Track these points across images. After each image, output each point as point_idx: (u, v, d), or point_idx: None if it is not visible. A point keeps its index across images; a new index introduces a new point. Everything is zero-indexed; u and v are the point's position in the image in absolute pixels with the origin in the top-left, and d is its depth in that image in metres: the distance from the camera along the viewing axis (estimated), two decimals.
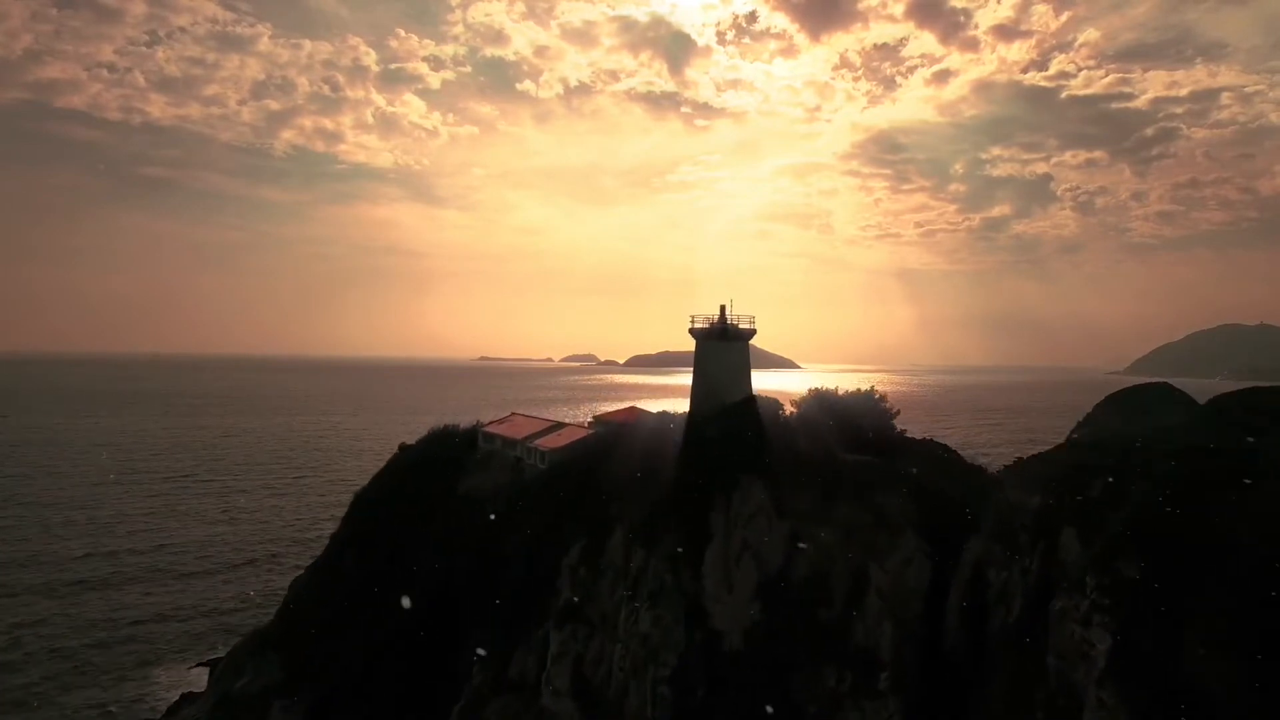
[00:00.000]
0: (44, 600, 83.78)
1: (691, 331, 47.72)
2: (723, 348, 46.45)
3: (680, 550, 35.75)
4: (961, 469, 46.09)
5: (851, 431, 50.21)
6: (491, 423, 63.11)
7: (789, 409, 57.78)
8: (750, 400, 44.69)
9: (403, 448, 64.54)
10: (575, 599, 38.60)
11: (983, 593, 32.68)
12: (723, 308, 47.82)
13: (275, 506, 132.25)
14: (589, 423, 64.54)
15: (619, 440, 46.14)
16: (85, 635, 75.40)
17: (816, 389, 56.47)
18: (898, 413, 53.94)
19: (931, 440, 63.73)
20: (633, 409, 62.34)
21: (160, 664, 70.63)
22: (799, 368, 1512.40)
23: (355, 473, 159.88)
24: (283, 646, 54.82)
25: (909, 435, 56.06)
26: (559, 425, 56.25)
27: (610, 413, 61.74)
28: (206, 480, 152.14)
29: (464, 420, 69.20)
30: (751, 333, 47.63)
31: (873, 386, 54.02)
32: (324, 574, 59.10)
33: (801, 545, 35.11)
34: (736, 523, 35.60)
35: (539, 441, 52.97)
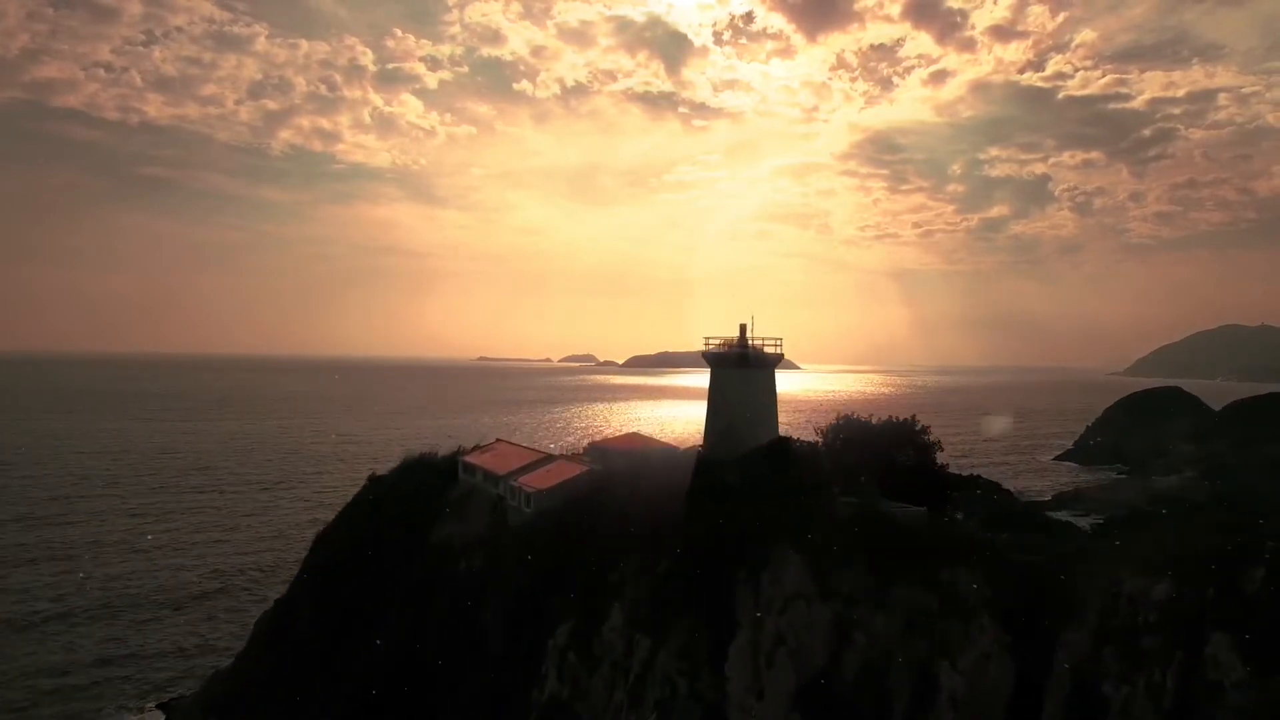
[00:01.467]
0: None
1: (705, 356, 39.85)
2: (744, 376, 38.50)
3: (696, 642, 28.14)
4: (1030, 520, 38.44)
5: (887, 467, 42.65)
6: (473, 451, 55.45)
7: (815, 438, 50.24)
8: (781, 444, 36.73)
9: (373, 479, 56.85)
10: (564, 692, 30.98)
11: (1092, 712, 24.98)
12: (743, 327, 39.78)
13: (259, 522, 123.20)
14: (584, 449, 56.97)
15: (617, 482, 38.52)
16: (29, 682, 67.66)
17: (846, 416, 48.85)
18: (940, 445, 46.30)
19: (977, 477, 56.25)
20: (634, 436, 54.76)
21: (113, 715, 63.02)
22: (798, 368, 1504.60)
23: (348, 482, 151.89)
24: (227, 715, 47.30)
25: (951, 470, 48.50)
26: (547, 459, 48.58)
27: (608, 440, 54.07)
28: (190, 492, 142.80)
29: (447, 444, 61.91)
30: (778, 358, 39.71)
31: (913, 416, 46.33)
32: (278, 629, 51.55)
33: (852, 637, 27.43)
34: (768, 608, 27.93)
35: (524, 479, 45.34)
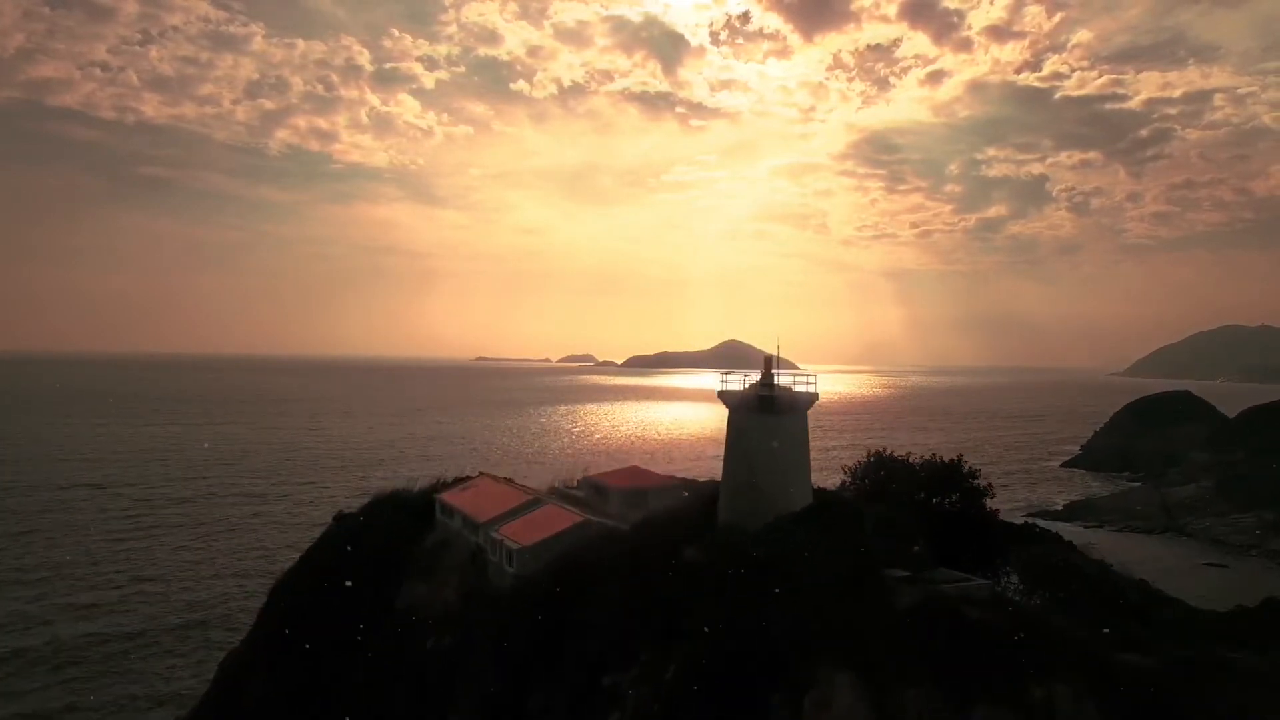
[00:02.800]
0: None
1: (722, 396, 32.99)
2: (770, 424, 31.14)
3: None
4: (1113, 590, 31.92)
5: (931, 517, 36.22)
6: (452, 488, 48.87)
7: (842, 476, 43.79)
8: (819, 511, 29.84)
9: (339, 519, 50.27)
10: None
11: None
12: (769, 360, 32.75)
13: (248, 541, 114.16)
14: (578, 481, 50.49)
15: (615, 539, 32.03)
16: None
17: (879, 454, 42.38)
18: (991, 490, 39.81)
19: (1034, 525, 49.82)
20: (634, 471, 48.21)
21: None
22: (798, 369, 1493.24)
23: (342, 490, 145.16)
24: None
25: (1001, 515, 41.99)
26: (534, 502, 42.00)
27: (605, 476, 47.54)
28: (172, 505, 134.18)
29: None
30: (812, 399, 32.56)
31: (960, 456, 39.83)
32: (230, 688, 45.06)
33: None
34: None
35: (507, 530, 38.89)
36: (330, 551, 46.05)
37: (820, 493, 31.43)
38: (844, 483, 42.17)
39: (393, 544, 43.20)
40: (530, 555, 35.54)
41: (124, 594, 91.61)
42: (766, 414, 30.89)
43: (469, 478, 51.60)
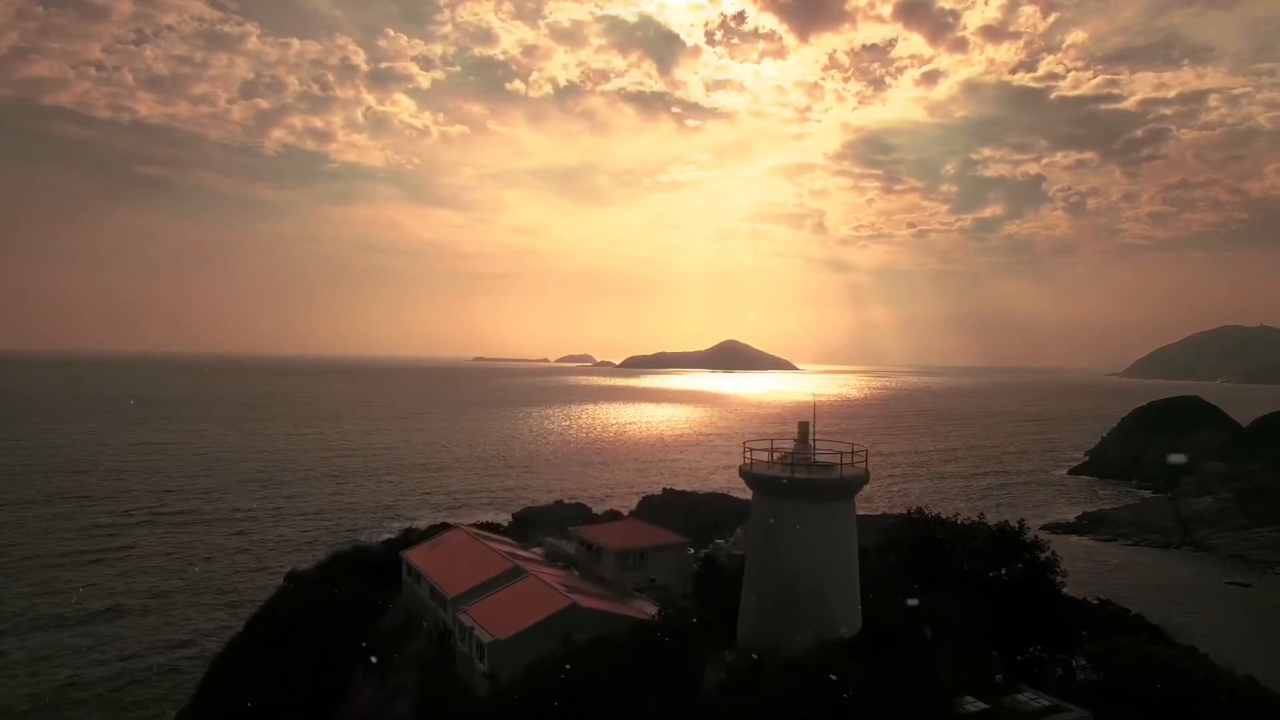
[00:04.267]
0: None
1: (746, 476, 25.66)
2: (811, 516, 23.74)
3: None
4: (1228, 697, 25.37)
5: (988, 595, 29.84)
6: (420, 546, 42.20)
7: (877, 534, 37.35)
8: (876, 642, 22.62)
9: (291, 578, 43.70)
10: None
11: None
12: (804, 428, 25.52)
13: (224, 568, 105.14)
14: (573, 533, 43.99)
15: (610, 650, 25.49)
16: None
17: (920, 510, 35.80)
18: (1059, 564, 33.23)
19: (1107, 602, 43.35)
20: (631, 527, 41.64)
21: None
22: (796, 369, 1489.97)
23: (329, 505, 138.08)
24: None
25: (1066, 589, 35.37)
26: (513, 573, 35.29)
27: (600, 530, 40.96)
28: (142, 526, 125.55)
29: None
30: (862, 479, 25.06)
31: (1022, 522, 33.24)
32: None
33: None
34: None
35: (479, 610, 32.25)
36: (276, 621, 39.44)
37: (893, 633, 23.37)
38: (879, 547, 35.72)
39: (346, 618, 36.57)
40: (505, 653, 28.96)
41: (88, 632, 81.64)
42: (806, 501, 23.56)
43: (444, 527, 44.86)
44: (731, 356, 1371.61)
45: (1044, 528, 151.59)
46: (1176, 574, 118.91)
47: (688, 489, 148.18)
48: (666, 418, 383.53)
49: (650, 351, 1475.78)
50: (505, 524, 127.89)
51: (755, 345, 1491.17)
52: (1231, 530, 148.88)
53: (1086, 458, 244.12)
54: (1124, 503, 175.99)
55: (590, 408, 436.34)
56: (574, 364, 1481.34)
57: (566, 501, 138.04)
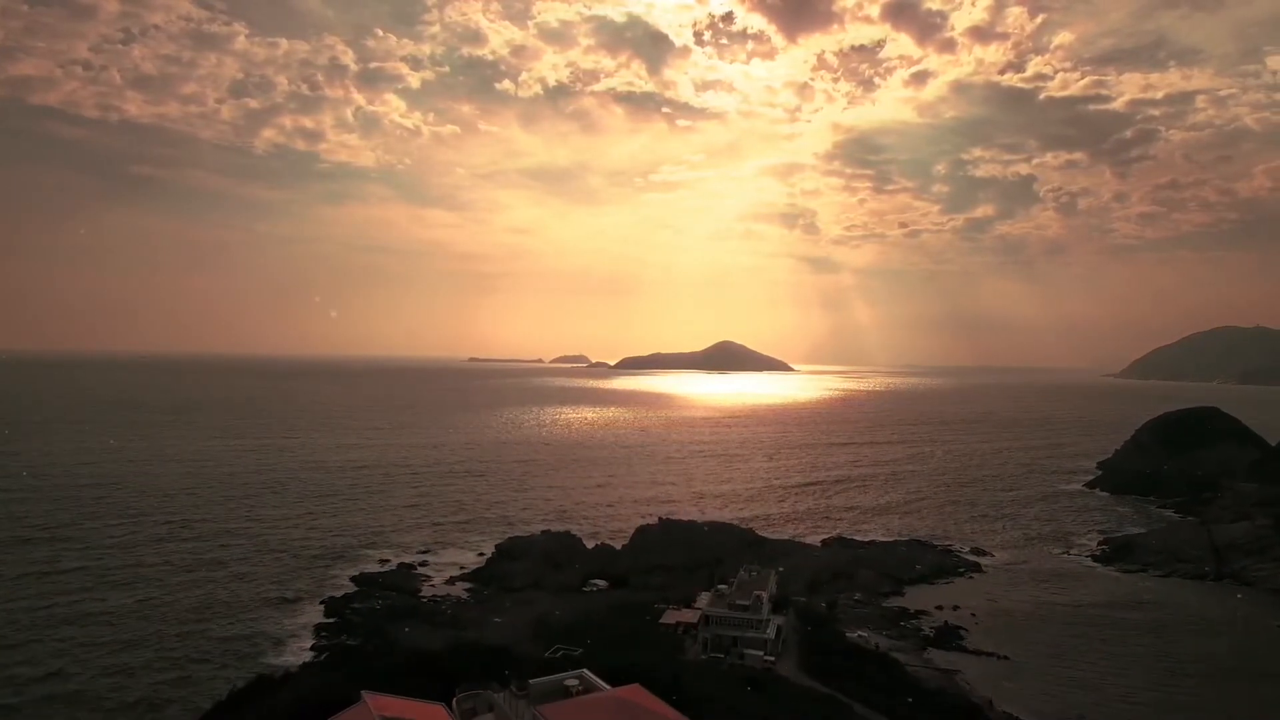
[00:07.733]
0: None
1: None
2: None
3: None
4: None
5: None
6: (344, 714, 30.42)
7: None
8: None
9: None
10: None
11: None
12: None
13: (201, 594, 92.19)
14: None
15: None
16: None
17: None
18: None
19: None
20: (634, 695, 30.35)
21: None
22: (791, 369, 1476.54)
23: (322, 520, 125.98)
24: None
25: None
26: None
27: (588, 704, 29.61)
28: (116, 548, 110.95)
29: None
30: None
31: None
32: None
33: None
34: None
35: None
36: None
37: None
38: None
39: None
40: None
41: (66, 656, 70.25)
42: None
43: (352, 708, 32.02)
44: (727, 357, 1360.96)
45: (1066, 554, 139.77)
46: (1216, 613, 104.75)
47: (685, 518, 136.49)
48: (660, 427, 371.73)
49: (645, 352, 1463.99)
50: (489, 554, 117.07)
51: (750, 346, 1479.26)
52: (1274, 561, 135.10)
53: (1099, 470, 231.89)
54: (1148, 525, 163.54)
55: (584, 412, 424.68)
56: (569, 365, 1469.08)
57: (554, 530, 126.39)
